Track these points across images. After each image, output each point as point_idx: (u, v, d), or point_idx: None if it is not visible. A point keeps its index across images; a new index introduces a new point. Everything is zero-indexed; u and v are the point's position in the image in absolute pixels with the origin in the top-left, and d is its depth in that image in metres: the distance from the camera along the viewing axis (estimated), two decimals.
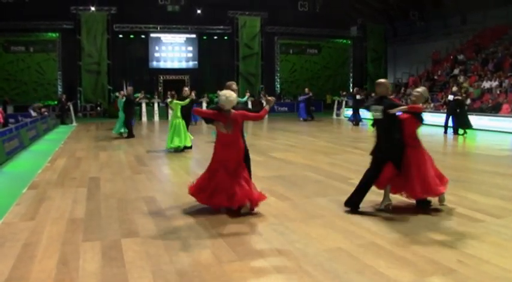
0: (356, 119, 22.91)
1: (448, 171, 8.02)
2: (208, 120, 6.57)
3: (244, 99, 17.16)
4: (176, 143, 12.73)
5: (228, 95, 6.33)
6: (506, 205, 6.71)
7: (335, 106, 29.71)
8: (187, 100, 13.29)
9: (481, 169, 10.29)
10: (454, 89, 18.61)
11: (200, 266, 4.53)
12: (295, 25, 34.72)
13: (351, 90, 24.62)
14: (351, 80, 37.79)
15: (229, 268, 4.45)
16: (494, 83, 22.88)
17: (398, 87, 31.30)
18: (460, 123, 17.19)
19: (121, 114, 16.88)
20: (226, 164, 6.30)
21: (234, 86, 6.98)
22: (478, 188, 8.13)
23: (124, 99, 16.88)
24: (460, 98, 17.49)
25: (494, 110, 20.48)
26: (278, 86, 35.32)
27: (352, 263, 4.54)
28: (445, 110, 18.79)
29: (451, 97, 17.67)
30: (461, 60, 28.21)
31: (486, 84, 23.33)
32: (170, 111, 15.99)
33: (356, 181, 8.39)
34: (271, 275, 4.32)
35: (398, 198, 6.70)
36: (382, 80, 6.70)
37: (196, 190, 6.50)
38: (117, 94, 17.82)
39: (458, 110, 17.24)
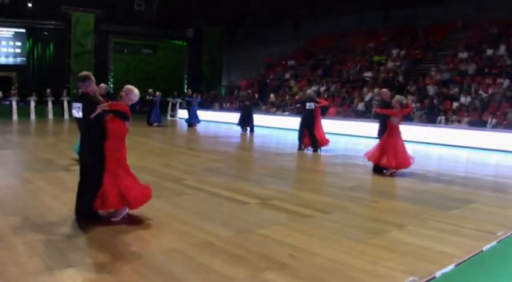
0: (190, 121, 22.64)
1: (279, 170, 8.31)
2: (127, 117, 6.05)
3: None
4: None
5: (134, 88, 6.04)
6: (333, 201, 7.13)
7: (169, 107, 29.58)
8: None
9: (310, 168, 10.88)
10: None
11: (29, 275, 4.01)
12: (131, 24, 33.63)
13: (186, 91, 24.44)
14: (186, 81, 37.84)
15: (60, 277, 3.99)
16: (322, 88, 24.56)
17: (231, 89, 32.20)
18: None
19: None
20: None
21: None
22: (307, 186, 8.55)
23: None
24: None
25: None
26: (111, 85, 34.03)
27: (187, 263, 4.39)
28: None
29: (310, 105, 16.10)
30: (292, 66, 29.86)
31: (315, 89, 24.92)
32: None
33: (190, 182, 8.34)
34: (106, 280, 3.99)
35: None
36: None
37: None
38: None
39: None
